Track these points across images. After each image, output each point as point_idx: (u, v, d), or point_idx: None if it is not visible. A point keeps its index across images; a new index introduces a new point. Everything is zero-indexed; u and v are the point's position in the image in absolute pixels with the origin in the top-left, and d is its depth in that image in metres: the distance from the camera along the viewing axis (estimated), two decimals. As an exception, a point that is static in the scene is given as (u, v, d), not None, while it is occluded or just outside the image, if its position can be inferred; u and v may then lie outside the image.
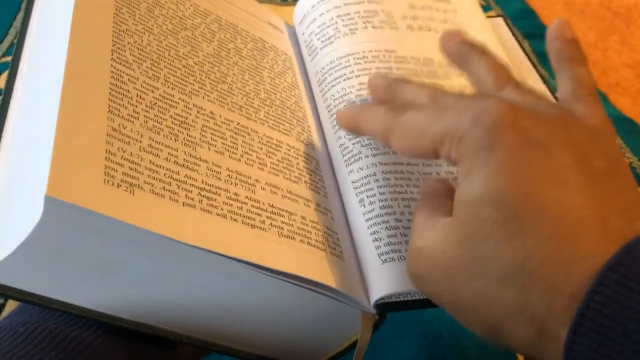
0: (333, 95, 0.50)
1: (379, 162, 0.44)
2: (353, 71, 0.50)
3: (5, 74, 0.85)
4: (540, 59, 1.03)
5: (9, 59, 0.87)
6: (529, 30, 1.10)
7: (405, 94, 0.41)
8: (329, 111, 0.49)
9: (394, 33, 0.54)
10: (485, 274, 0.30)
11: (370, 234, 0.41)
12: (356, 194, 0.44)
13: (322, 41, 0.54)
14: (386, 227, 0.41)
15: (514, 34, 0.61)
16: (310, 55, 0.55)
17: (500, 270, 0.30)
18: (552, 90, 0.55)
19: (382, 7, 0.56)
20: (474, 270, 0.31)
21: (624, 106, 0.97)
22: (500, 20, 0.63)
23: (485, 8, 1.16)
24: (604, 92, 1.00)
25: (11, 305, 0.64)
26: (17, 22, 0.97)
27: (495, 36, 0.57)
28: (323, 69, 0.52)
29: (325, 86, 0.51)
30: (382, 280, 0.39)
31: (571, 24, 0.41)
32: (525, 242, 0.29)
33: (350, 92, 0.49)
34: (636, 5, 1.18)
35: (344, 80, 0.50)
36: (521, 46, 0.60)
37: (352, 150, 0.46)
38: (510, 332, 0.30)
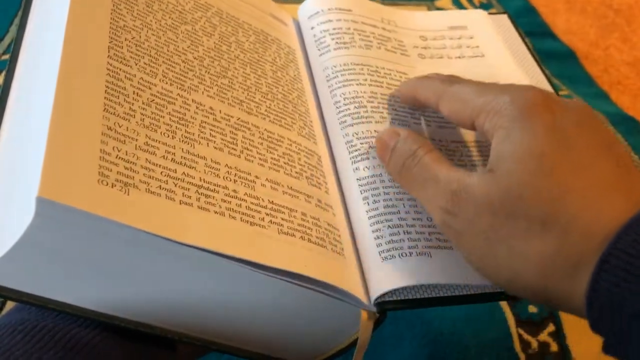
0: (344, 94, 0.49)
1: None
2: (366, 79, 0.50)
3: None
4: (541, 57, 1.02)
5: (9, 56, 0.87)
6: (530, 28, 1.10)
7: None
8: (337, 108, 0.49)
9: (405, 59, 0.55)
10: (530, 217, 0.33)
11: (373, 231, 0.41)
12: (360, 192, 0.43)
13: (337, 42, 0.53)
14: (388, 226, 0.41)
15: (518, 32, 0.61)
16: (319, 50, 0.54)
17: (544, 215, 0.33)
18: (555, 88, 0.54)
19: (394, 35, 0.57)
20: (519, 215, 0.34)
21: (624, 104, 0.98)
22: (504, 17, 0.62)
23: (486, 6, 1.15)
24: (605, 90, 1.00)
25: (11, 304, 0.64)
26: (19, 19, 0.97)
27: (512, 57, 0.57)
28: (335, 67, 0.52)
29: (335, 84, 0.50)
30: (382, 278, 0.39)
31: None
32: (566, 192, 0.33)
33: (362, 96, 0.49)
34: (637, 3, 1.18)
35: (357, 84, 0.50)
36: (526, 44, 0.60)
37: (359, 149, 0.46)
38: (541, 275, 0.33)
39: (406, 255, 0.40)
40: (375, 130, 0.46)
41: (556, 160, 0.34)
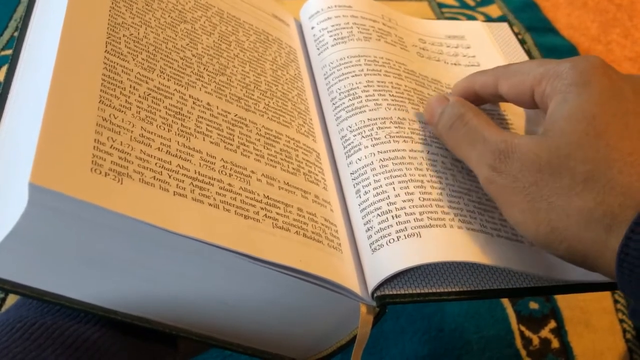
0: (339, 89, 0.50)
1: (378, 151, 0.44)
2: (362, 70, 0.51)
3: (5, 68, 0.86)
4: (542, 52, 1.02)
5: (8, 52, 0.88)
6: (532, 23, 1.10)
7: None
8: (334, 104, 0.49)
9: (404, 52, 0.55)
10: (573, 175, 0.35)
11: (364, 223, 0.41)
12: (353, 185, 0.44)
13: (335, 39, 0.54)
14: (378, 214, 0.41)
15: (519, 40, 0.61)
16: (318, 49, 0.55)
17: (587, 173, 0.35)
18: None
19: (394, 32, 0.57)
20: (563, 172, 0.35)
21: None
22: (505, 25, 0.63)
23: (488, 1, 1.15)
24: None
25: (11, 299, 0.64)
26: (17, 14, 0.97)
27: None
28: (332, 63, 0.52)
29: (332, 80, 0.51)
30: (374, 269, 0.39)
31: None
32: (612, 154, 0.34)
33: (357, 87, 0.49)
34: (640, -2, 1.18)
35: (352, 76, 0.50)
36: (526, 52, 0.60)
37: (352, 142, 0.46)
38: (578, 229, 0.35)
39: (394, 240, 0.39)
40: (368, 119, 0.47)
41: (608, 123, 0.35)
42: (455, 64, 0.57)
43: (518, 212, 0.37)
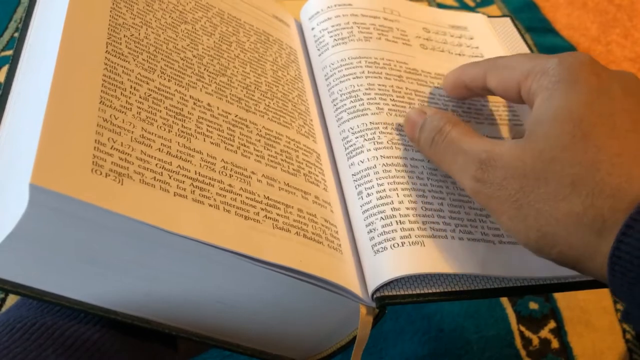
0: (340, 91, 0.50)
1: (381, 155, 0.44)
2: (364, 72, 0.51)
3: (5, 68, 0.85)
4: (542, 53, 1.02)
5: (9, 52, 0.88)
6: (531, 23, 1.10)
7: None
8: (335, 105, 0.49)
9: (407, 48, 0.55)
10: (560, 179, 0.34)
11: (366, 225, 0.41)
12: (355, 187, 0.44)
13: (335, 39, 0.54)
14: (381, 217, 0.41)
15: (522, 35, 0.61)
16: (318, 50, 0.54)
17: (574, 176, 0.34)
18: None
19: (396, 25, 0.57)
20: (549, 177, 0.34)
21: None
22: (507, 20, 0.63)
23: (488, 1, 1.15)
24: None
25: (12, 299, 0.64)
26: (18, 15, 0.97)
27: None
28: (332, 64, 0.52)
29: (333, 81, 0.51)
30: (376, 271, 0.39)
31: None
32: (599, 155, 0.33)
33: (359, 89, 0.49)
34: (640, -2, 1.18)
35: (354, 78, 0.50)
36: (529, 48, 0.60)
37: (354, 144, 0.46)
38: (567, 234, 0.34)
39: (398, 245, 0.39)
40: (370, 122, 0.47)
41: (595, 124, 0.34)
42: (459, 54, 0.57)
43: (507, 219, 0.36)
